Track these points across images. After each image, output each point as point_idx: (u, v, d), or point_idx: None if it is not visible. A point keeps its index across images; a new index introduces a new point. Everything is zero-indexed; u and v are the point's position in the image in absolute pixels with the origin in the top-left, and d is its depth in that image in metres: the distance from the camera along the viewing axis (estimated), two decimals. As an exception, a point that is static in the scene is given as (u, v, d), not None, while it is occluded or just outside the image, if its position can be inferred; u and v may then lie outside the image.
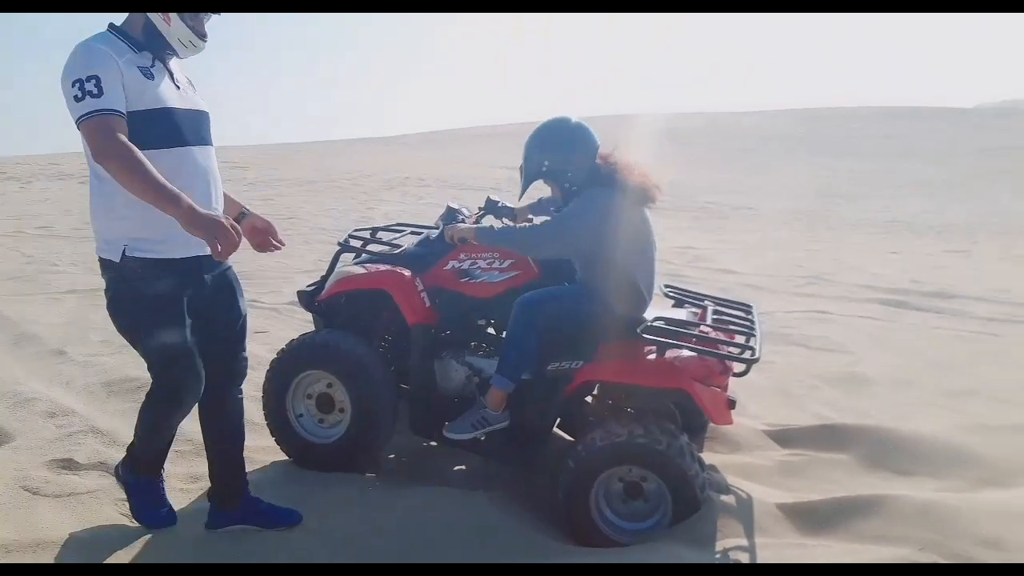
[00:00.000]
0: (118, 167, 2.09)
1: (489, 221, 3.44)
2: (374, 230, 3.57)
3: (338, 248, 3.39)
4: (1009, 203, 18.49)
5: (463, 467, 3.23)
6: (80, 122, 2.11)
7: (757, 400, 4.05)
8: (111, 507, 2.72)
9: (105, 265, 2.31)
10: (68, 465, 3.00)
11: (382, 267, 3.16)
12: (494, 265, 3.08)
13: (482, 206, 3.51)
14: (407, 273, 3.08)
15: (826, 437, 3.44)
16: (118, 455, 3.06)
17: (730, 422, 2.79)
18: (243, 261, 8.32)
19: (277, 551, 2.48)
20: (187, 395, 2.38)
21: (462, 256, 3.10)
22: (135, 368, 4.18)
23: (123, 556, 2.41)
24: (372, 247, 3.36)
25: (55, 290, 6.61)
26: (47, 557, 2.40)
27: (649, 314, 2.94)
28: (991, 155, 30.25)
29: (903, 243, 12.20)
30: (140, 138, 2.14)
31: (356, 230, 3.52)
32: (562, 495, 2.72)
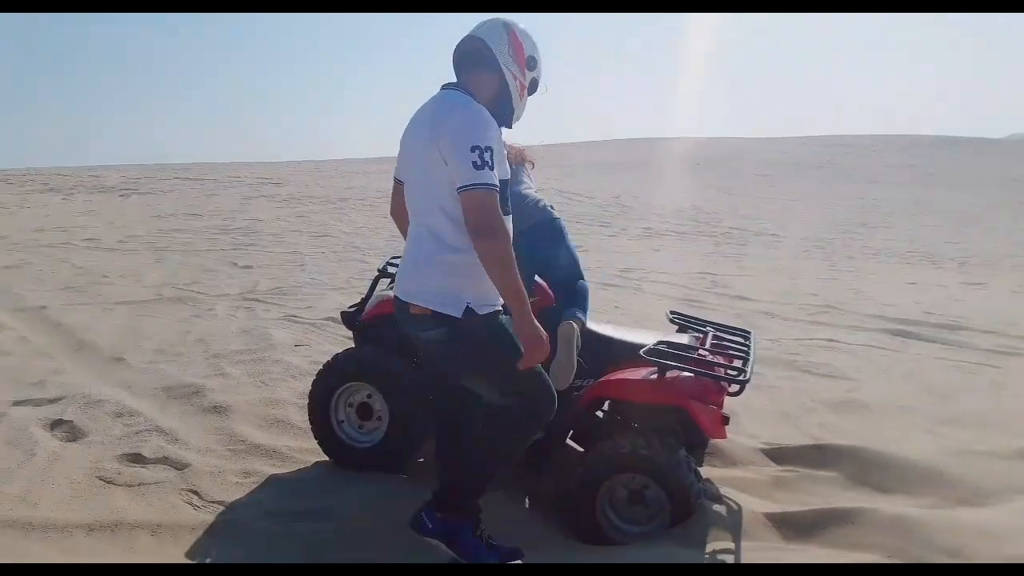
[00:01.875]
0: (494, 250, 2.20)
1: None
2: (408, 256, 3.95)
3: (377, 274, 3.78)
4: (1033, 235, 18.52)
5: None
6: (470, 189, 2.18)
7: (758, 421, 4.36)
8: (176, 495, 3.13)
9: (439, 319, 2.34)
10: (136, 459, 3.42)
11: (416, 291, 3.53)
12: (517, 292, 3.46)
13: None
14: (439, 297, 3.46)
15: (817, 456, 3.74)
16: (180, 452, 3.48)
17: (724, 436, 3.11)
18: (279, 278, 8.81)
19: (312, 534, 2.85)
20: (549, 407, 2.48)
21: (489, 283, 3.48)
22: (190, 376, 4.63)
23: (190, 538, 2.80)
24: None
25: (107, 301, 7.08)
26: (123, 538, 2.79)
27: (640, 336, 3.30)
28: (1019, 185, 30.13)
29: (922, 274, 12.36)
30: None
31: (393, 257, 3.90)
32: (571, 498, 3.05)
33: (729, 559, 2.76)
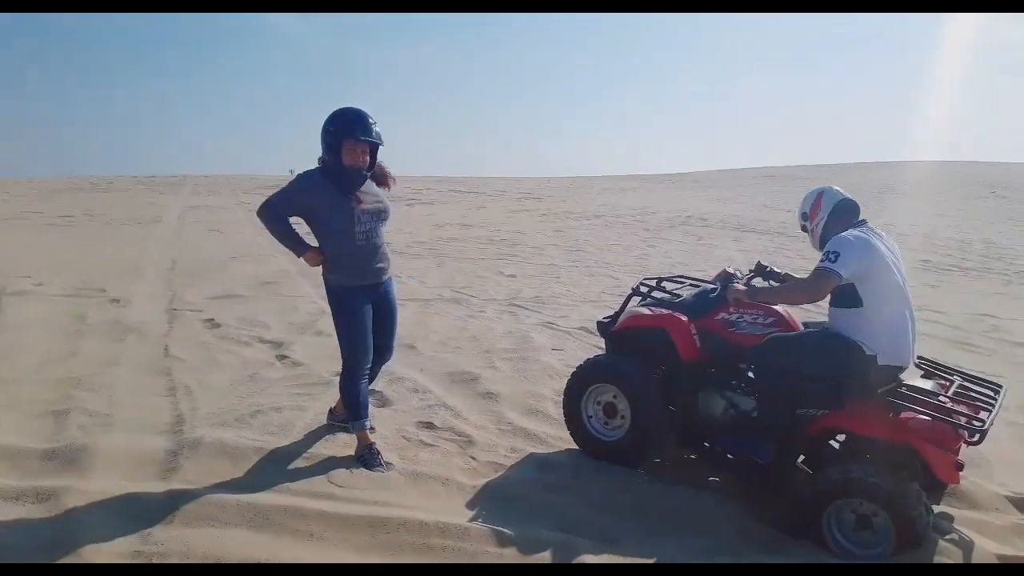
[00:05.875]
0: None
1: (758, 281, 4.13)
2: (659, 279, 4.42)
3: (631, 291, 4.30)
4: None
5: (716, 479, 3.93)
6: None
7: (1012, 471, 4.19)
8: (460, 459, 3.90)
9: None
10: (429, 426, 4.28)
11: (664, 311, 3.99)
12: (758, 320, 3.77)
13: (752, 268, 4.19)
14: (684, 318, 3.89)
15: (1071, 513, 3.58)
16: (462, 426, 4.28)
17: (956, 481, 3.19)
18: (539, 287, 9.64)
19: (561, 505, 3.43)
20: None
21: (732, 310, 3.83)
22: (467, 366, 5.50)
23: (469, 492, 3.51)
24: (656, 294, 4.23)
25: (400, 297, 8.26)
26: (423, 483, 3.56)
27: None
28: None
29: None
30: None
31: (646, 278, 4.41)
32: (798, 513, 3.29)
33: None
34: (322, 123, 3.71)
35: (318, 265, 3.82)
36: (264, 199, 3.79)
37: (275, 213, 3.76)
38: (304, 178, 3.78)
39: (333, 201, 3.72)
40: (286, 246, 3.82)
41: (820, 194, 3.74)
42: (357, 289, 3.80)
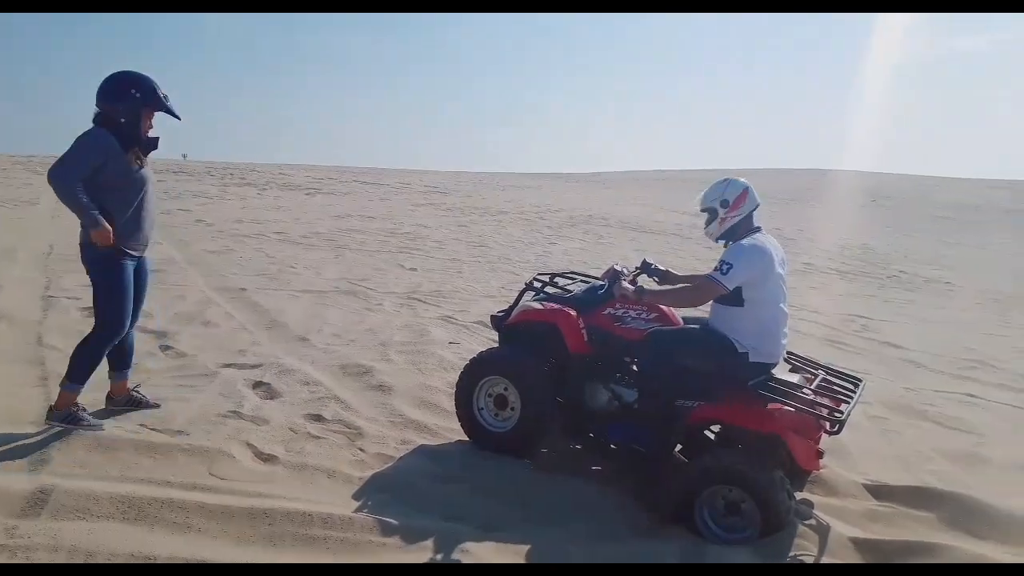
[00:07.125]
0: None
1: (644, 279, 4.30)
2: (552, 275, 4.53)
3: (524, 287, 4.39)
4: None
5: (599, 468, 4.07)
6: None
7: (870, 461, 4.52)
8: (348, 451, 3.86)
9: None
10: (318, 419, 4.22)
11: (555, 306, 4.10)
12: (642, 315, 3.94)
13: (639, 265, 4.36)
14: (573, 313, 4.01)
15: (919, 497, 3.88)
16: (352, 418, 4.24)
17: (817, 468, 3.43)
18: (439, 282, 9.64)
19: (449, 495, 3.46)
20: None
21: (618, 305, 3.98)
22: (361, 358, 5.45)
23: (356, 484, 3.50)
24: (549, 289, 4.34)
25: (294, 288, 8.19)
26: (308, 476, 3.52)
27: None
28: None
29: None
30: None
31: (539, 274, 4.51)
32: (672, 501, 3.46)
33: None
34: (106, 81, 3.57)
35: (108, 243, 3.57)
36: (56, 162, 3.49)
37: (74, 179, 3.48)
38: (97, 137, 3.56)
39: (124, 166, 3.61)
40: (82, 217, 3.52)
41: (746, 190, 3.69)
42: (125, 256, 3.70)
